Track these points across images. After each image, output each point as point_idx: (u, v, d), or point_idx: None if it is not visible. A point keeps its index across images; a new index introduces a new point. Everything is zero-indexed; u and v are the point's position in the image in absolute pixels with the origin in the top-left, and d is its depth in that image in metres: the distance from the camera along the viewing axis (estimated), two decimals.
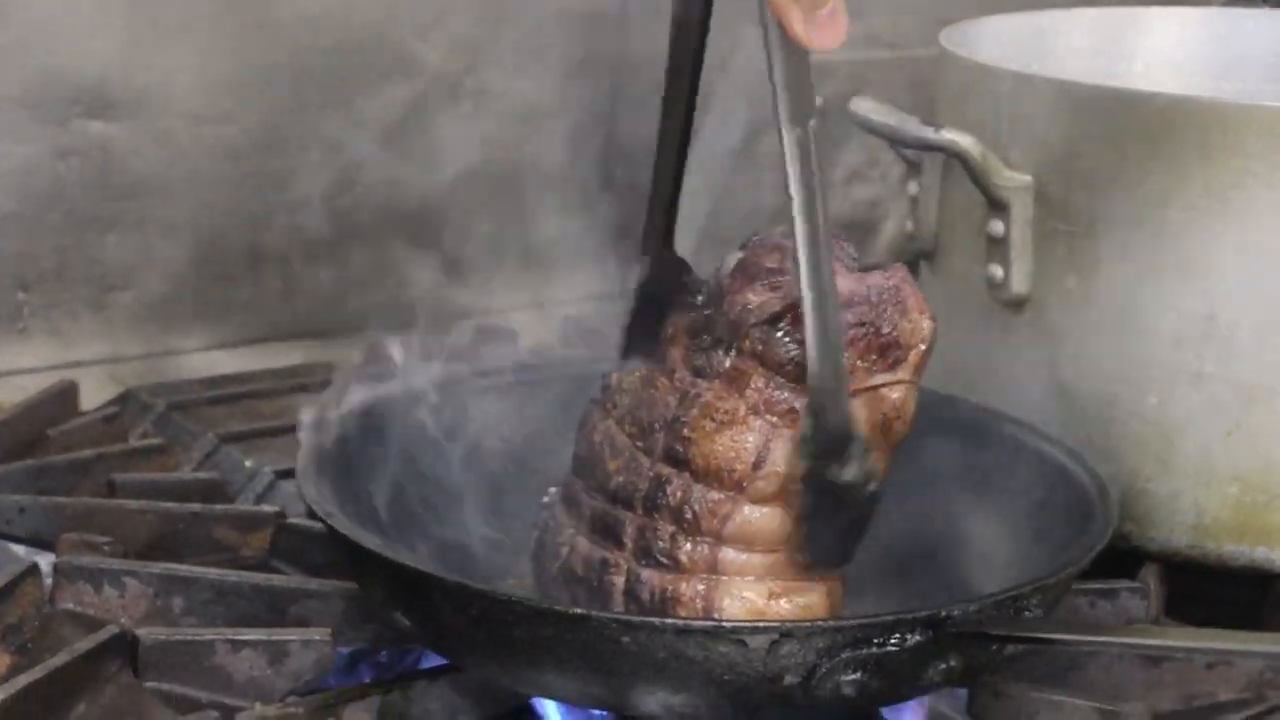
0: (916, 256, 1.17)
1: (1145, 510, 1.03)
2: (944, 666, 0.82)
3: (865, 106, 1.10)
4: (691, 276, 0.91)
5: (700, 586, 0.83)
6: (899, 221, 1.55)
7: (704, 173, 1.46)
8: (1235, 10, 1.40)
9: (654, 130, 1.46)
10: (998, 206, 1.06)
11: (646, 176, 1.46)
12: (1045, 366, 1.06)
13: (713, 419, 0.83)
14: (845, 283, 0.85)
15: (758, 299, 0.86)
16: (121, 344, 1.29)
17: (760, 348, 0.83)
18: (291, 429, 1.15)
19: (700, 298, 0.89)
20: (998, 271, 1.07)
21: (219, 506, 1.03)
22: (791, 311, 0.83)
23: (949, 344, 1.11)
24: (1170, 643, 0.83)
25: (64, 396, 1.18)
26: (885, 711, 0.87)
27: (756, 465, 0.83)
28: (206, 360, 1.31)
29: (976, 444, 0.99)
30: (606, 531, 0.86)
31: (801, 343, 0.81)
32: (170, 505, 1.02)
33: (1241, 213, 1.00)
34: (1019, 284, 1.06)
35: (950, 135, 1.06)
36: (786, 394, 0.83)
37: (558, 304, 1.45)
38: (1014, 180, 1.05)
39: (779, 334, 0.83)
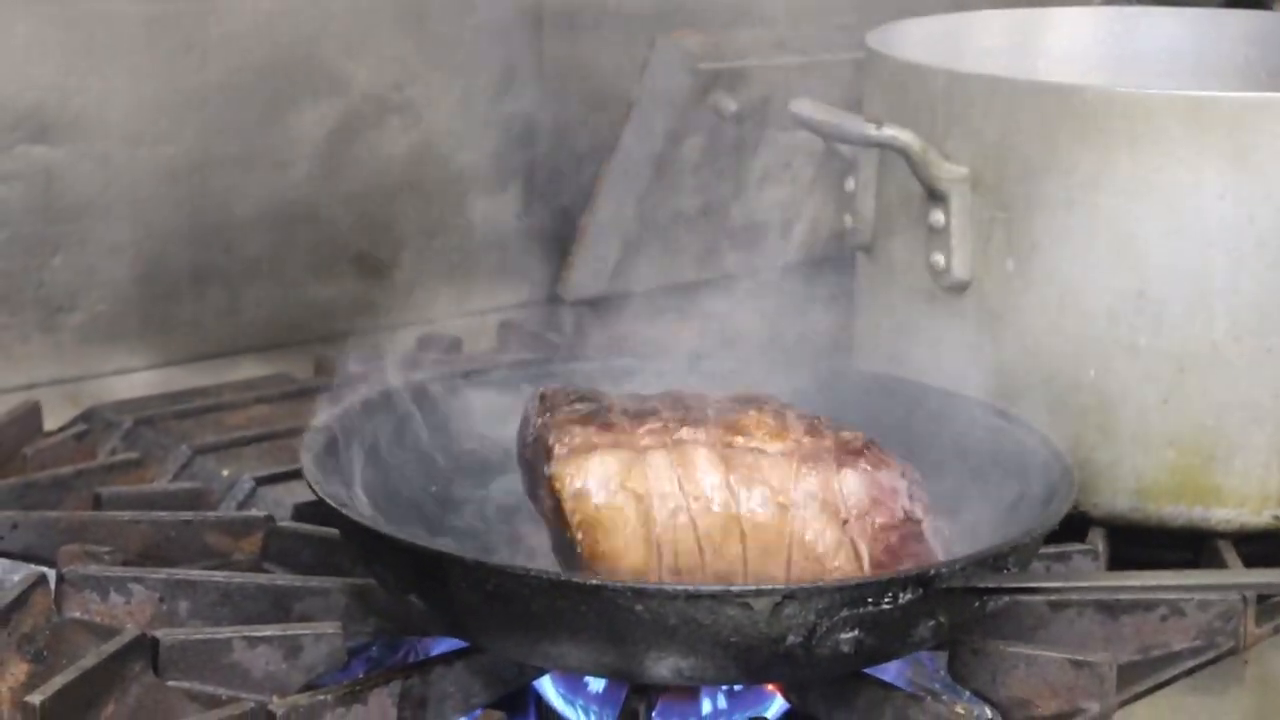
0: (854, 249, 1.23)
1: (1089, 477, 1.09)
2: (932, 623, 0.88)
3: (806, 107, 1.16)
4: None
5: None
6: (810, 220, 1.61)
7: (625, 179, 1.52)
8: (1128, 9, 1.48)
9: (577, 139, 1.52)
10: (937, 198, 1.12)
11: (572, 185, 1.51)
12: (988, 347, 1.12)
13: None
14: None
15: None
16: (72, 364, 1.30)
17: None
18: (261, 438, 1.18)
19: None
20: (939, 259, 1.13)
21: (210, 514, 1.06)
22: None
23: (894, 330, 1.18)
24: (1140, 583, 0.89)
25: (29, 417, 1.19)
26: (872, 672, 0.93)
27: None
28: (156, 377, 1.32)
29: (938, 423, 1.05)
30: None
31: None
32: (161, 515, 1.04)
33: (1167, 194, 1.07)
34: (960, 270, 1.13)
35: (891, 131, 1.11)
36: None
37: (493, 311, 1.48)
38: (952, 172, 1.12)
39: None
